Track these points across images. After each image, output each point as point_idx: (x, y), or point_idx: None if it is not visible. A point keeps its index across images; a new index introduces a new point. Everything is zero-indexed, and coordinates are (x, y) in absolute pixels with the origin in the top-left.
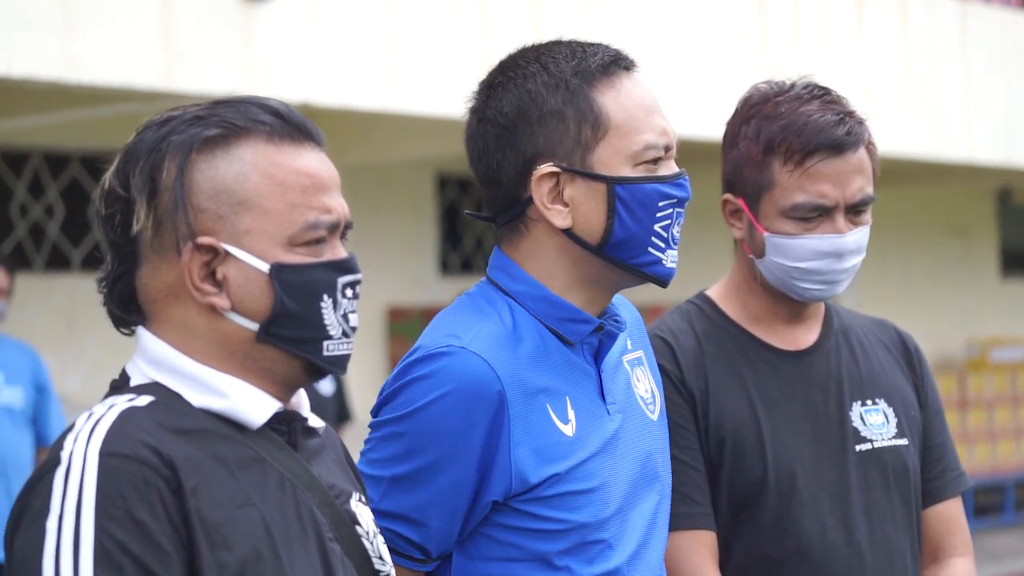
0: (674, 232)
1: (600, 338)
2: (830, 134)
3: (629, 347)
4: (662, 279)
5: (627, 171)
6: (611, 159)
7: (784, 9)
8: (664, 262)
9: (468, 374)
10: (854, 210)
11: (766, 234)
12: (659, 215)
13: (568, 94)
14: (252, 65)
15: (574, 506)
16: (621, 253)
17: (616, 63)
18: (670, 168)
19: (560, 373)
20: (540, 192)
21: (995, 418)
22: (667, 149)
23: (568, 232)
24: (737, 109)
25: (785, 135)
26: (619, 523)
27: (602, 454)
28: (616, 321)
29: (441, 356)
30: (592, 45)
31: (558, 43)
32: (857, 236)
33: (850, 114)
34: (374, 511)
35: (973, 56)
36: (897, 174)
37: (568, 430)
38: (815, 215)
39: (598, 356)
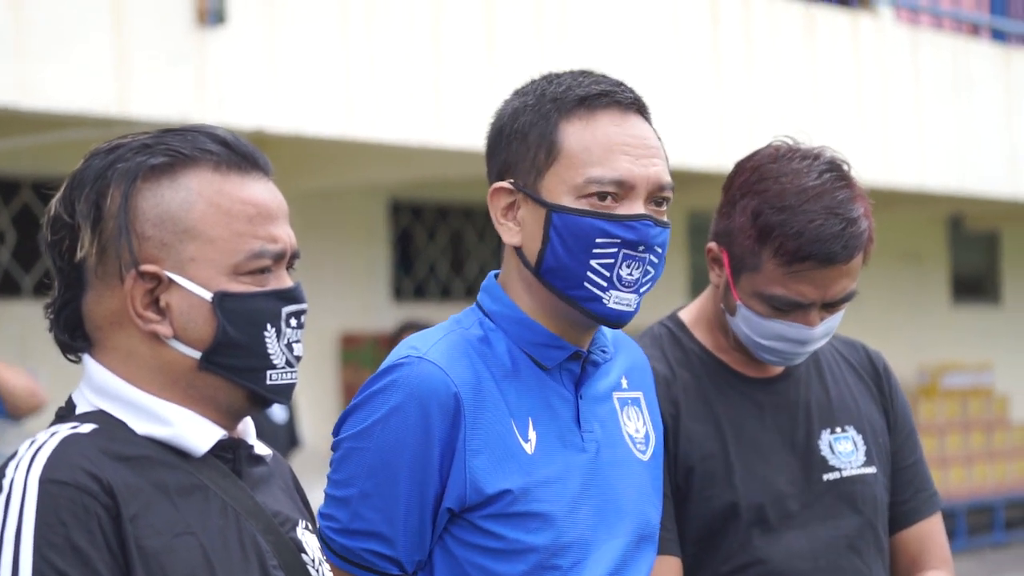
0: (621, 273)
1: (583, 366)
2: (825, 247)
3: (624, 385)
4: (603, 318)
5: (568, 201)
6: (556, 187)
7: (735, 36)
8: (604, 301)
9: (423, 379)
10: (831, 304)
11: (739, 303)
12: (596, 251)
13: (537, 117)
14: (205, 91)
15: (531, 528)
16: (556, 281)
17: (600, 97)
18: (631, 208)
19: (528, 392)
20: (495, 205)
21: (946, 444)
22: (624, 188)
23: (518, 251)
24: (744, 168)
25: (782, 231)
26: (580, 554)
27: (565, 480)
28: (603, 351)
29: (398, 367)
30: (595, 77)
31: (571, 72)
32: (827, 326)
33: (854, 221)
34: (346, 532)
35: (925, 83)
36: None
37: (528, 448)
38: (790, 308)
39: (579, 384)
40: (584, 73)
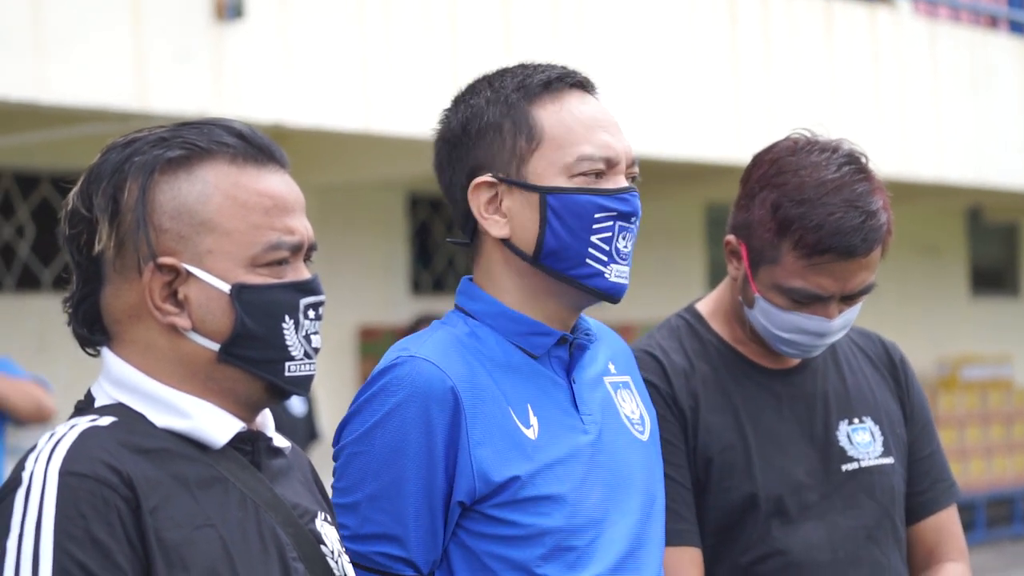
0: (618, 246)
1: (571, 352)
2: (845, 240)
3: (613, 371)
4: (604, 292)
5: (561, 182)
6: (545, 170)
7: (754, 29)
8: (606, 275)
9: (419, 377)
10: (850, 296)
11: (757, 295)
12: (596, 227)
13: (506, 107)
14: (223, 86)
15: (543, 511)
16: (557, 264)
17: (562, 80)
18: (615, 183)
19: (523, 380)
20: (477, 202)
21: (966, 436)
22: (610, 163)
23: (507, 243)
24: (763, 161)
25: (802, 224)
26: (594, 533)
27: (571, 462)
28: (586, 335)
29: (392, 368)
30: (545, 65)
31: (515, 65)
32: (845, 318)
33: (873, 214)
34: (357, 537)
35: (943, 75)
36: None
37: (531, 434)
38: (809, 301)
39: (569, 370)
40: (525, 64)
